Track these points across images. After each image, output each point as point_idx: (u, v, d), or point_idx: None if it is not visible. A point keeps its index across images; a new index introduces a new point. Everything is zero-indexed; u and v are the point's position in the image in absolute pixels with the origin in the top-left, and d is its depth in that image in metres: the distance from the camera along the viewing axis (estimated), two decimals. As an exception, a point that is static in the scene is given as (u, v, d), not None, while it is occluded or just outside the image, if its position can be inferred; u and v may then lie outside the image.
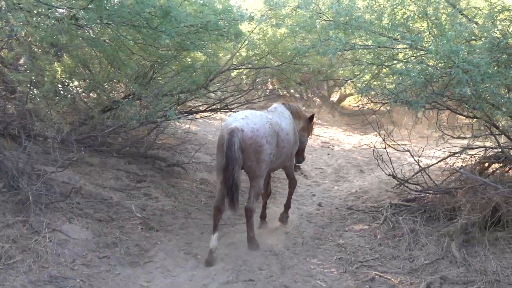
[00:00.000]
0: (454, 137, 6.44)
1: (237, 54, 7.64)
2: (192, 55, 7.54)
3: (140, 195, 6.63)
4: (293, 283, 4.76)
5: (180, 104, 7.37)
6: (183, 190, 7.09)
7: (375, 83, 5.83)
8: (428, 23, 5.23)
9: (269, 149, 5.34)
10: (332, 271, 5.06)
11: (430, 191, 6.35)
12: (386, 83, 5.70)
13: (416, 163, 6.68)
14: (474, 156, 6.66)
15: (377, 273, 5.00)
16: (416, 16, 5.46)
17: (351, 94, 19.46)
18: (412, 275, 4.96)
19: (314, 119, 7.16)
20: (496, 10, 4.97)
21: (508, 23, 5.01)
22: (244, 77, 8.37)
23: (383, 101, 5.95)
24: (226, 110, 8.37)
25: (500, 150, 6.41)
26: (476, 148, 6.64)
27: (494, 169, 6.52)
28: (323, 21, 5.52)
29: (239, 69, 7.64)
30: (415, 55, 5.29)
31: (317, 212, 6.99)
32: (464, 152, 6.65)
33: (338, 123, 16.85)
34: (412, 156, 6.63)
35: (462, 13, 5.84)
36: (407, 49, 5.25)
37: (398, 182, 6.78)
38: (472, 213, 5.67)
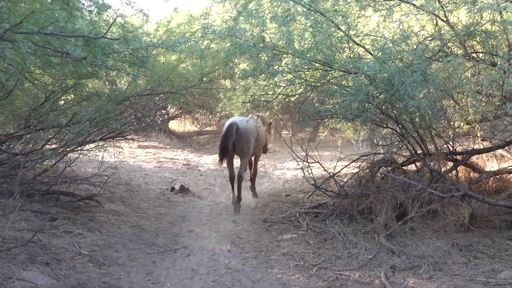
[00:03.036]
0: (378, 145, 7.37)
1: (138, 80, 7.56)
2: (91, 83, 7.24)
3: (62, 233, 6.12)
4: (275, 292, 5.02)
5: (98, 130, 7.00)
6: (103, 223, 6.70)
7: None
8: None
9: (253, 140, 8.26)
10: (298, 277, 5.41)
11: (346, 195, 7.10)
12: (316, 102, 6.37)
13: (327, 172, 7.42)
14: (367, 162, 7.68)
15: (336, 272, 5.52)
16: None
17: (174, 118, 20.01)
18: (365, 269, 5.58)
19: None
20: (405, 35, 6.01)
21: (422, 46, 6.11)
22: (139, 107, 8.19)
23: (318, 118, 6.60)
24: (120, 138, 8.15)
25: (385, 155, 7.54)
26: (369, 155, 7.67)
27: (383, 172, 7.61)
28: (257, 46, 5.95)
29: (147, 95, 7.54)
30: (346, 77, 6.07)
31: (238, 228, 7.25)
32: (361, 159, 7.66)
33: (179, 145, 17.17)
34: (323, 167, 7.36)
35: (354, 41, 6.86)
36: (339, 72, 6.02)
37: (314, 189, 7.38)
38: (387, 210, 6.61)
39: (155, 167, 12.30)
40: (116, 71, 7.00)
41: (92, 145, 7.50)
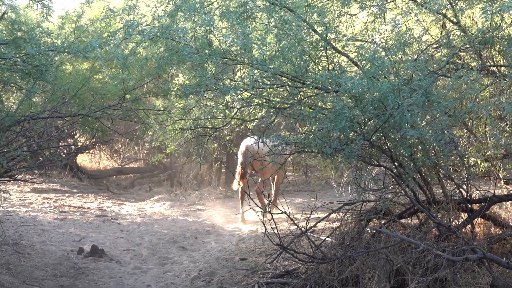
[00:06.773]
0: (367, 190, 7.33)
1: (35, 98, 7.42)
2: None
3: None
4: None
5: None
6: None
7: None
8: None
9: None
10: None
11: (323, 259, 6.99)
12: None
13: (298, 227, 7.30)
14: (352, 213, 7.63)
15: None
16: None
17: (84, 150, 19.69)
18: None
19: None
20: (402, 41, 6.09)
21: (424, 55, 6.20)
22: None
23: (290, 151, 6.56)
24: (7, 179, 7.92)
25: (376, 203, 7.53)
26: (354, 203, 7.63)
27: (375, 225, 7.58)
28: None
29: (47, 117, 7.34)
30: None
31: (173, 308, 7.05)
32: (344, 208, 7.62)
33: (91, 188, 17.02)
34: (292, 220, 7.23)
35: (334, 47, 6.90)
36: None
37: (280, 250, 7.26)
38: (379, 279, 6.54)
39: (56, 220, 12.01)
40: (2, 85, 6.82)
41: (-36, 189, 7.26)
